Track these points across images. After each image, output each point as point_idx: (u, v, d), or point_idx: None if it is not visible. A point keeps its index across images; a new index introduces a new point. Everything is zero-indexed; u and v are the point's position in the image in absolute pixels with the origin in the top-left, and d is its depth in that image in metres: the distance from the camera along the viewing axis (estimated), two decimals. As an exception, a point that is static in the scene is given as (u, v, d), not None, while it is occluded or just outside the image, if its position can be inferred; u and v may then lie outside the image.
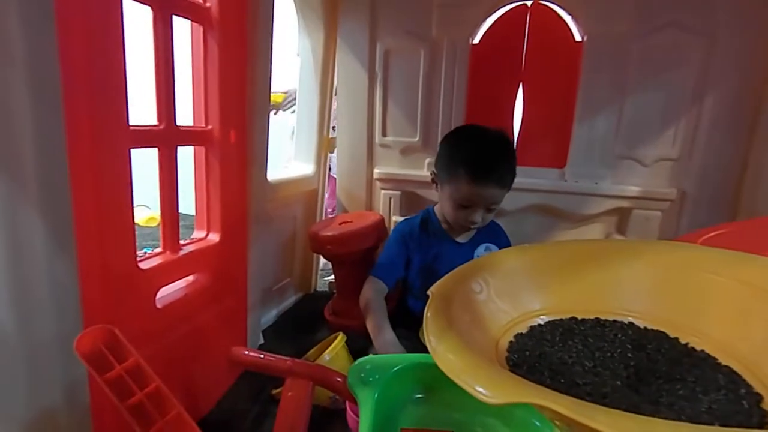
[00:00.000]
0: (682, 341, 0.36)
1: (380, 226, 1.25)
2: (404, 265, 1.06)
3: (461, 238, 1.05)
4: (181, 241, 0.80)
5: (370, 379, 0.62)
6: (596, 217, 1.25)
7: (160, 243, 0.75)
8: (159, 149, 0.70)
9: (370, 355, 0.68)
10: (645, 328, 0.38)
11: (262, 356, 0.80)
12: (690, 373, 0.31)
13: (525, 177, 1.25)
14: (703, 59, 1.08)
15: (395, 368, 0.64)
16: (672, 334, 0.37)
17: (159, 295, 0.72)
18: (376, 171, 1.40)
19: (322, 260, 1.59)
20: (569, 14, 1.16)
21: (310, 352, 1.00)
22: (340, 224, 1.25)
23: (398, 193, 1.39)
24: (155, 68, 0.69)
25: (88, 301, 0.56)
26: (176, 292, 0.76)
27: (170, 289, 0.76)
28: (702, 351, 0.34)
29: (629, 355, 0.35)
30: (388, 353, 0.87)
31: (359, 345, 1.01)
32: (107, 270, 0.59)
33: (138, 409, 0.38)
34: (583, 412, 0.20)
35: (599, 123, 1.18)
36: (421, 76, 1.29)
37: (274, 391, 0.91)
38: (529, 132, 1.28)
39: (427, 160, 1.33)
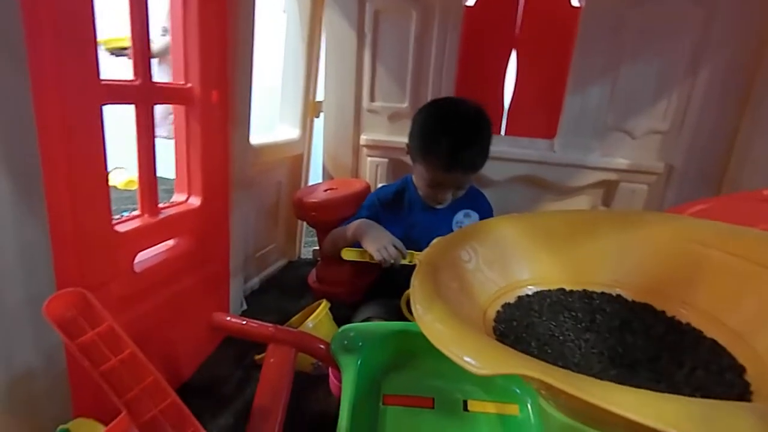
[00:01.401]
0: (669, 314, 0.36)
1: (366, 193, 1.23)
2: None
3: (439, 205, 1.04)
4: (161, 205, 0.77)
5: (354, 346, 0.63)
6: (583, 189, 1.25)
7: (138, 206, 0.72)
8: (136, 106, 0.66)
9: (354, 323, 0.68)
10: (632, 301, 0.38)
11: (244, 322, 0.79)
12: (674, 347, 0.31)
13: (514, 147, 1.24)
14: (700, 31, 1.06)
15: (378, 335, 0.64)
16: (659, 307, 0.37)
17: (137, 259, 0.69)
18: (363, 137, 1.36)
19: (307, 226, 1.57)
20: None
21: (294, 318, 1.00)
22: (325, 191, 1.23)
23: (385, 160, 1.36)
24: (130, 18, 0.64)
25: (61, 264, 0.53)
26: (155, 256, 0.74)
27: (149, 253, 0.74)
28: (687, 324, 0.34)
29: (615, 328, 0.34)
30: (382, 237, 0.88)
31: (343, 312, 1.01)
32: (81, 232, 0.56)
33: (112, 375, 0.37)
34: (574, 383, 0.20)
35: (592, 93, 1.16)
36: (412, 39, 1.24)
37: (257, 357, 0.91)
38: (520, 101, 1.26)
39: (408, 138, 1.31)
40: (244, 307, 1.15)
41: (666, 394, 0.19)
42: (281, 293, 1.28)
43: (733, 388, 0.27)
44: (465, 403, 0.59)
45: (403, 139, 1.32)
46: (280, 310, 1.13)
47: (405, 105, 1.30)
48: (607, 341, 0.33)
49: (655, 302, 0.37)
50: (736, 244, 0.35)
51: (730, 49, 1.05)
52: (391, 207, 1.06)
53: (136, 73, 0.65)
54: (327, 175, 1.44)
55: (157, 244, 0.75)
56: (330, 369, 0.76)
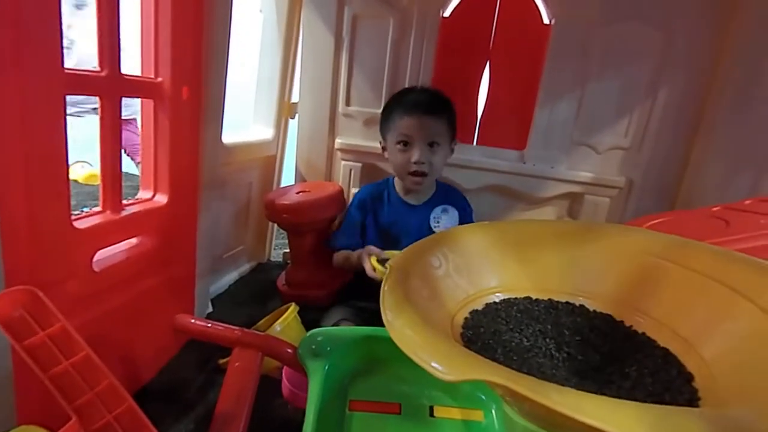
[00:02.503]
0: (627, 324, 0.37)
1: (339, 197, 1.23)
2: (361, 231, 1.09)
3: (416, 201, 1.08)
4: (125, 201, 0.74)
5: (321, 351, 0.62)
6: (550, 200, 1.29)
7: (100, 202, 0.69)
8: (100, 98, 0.64)
9: (323, 327, 0.68)
10: (594, 311, 0.40)
11: (209, 325, 0.78)
12: (630, 356, 0.33)
13: (485, 157, 1.27)
14: (659, 54, 1.12)
15: (346, 340, 0.63)
16: (618, 317, 0.38)
17: (97, 257, 0.66)
18: (338, 141, 1.36)
19: (277, 229, 1.55)
20: (540, -5, 1.16)
21: (261, 322, 0.98)
22: (297, 193, 1.22)
23: (359, 164, 1.36)
24: (97, 6, 0.61)
25: (11, 260, 0.51)
26: (117, 255, 0.71)
27: (110, 251, 0.71)
28: (643, 334, 0.36)
29: (577, 338, 0.36)
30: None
31: (312, 316, 1.00)
32: (35, 227, 0.53)
33: (62, 380, 0.35)
34: (538, 390, 0.20)
35: (560, 108, 1.21)
36: (389, 46, 1.25)
37: (221, 361, 0.89)
38: (492, 112, 1.29)
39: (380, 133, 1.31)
40: (210, 309, 1.12)
41: (622, 401, 0.20)
42: (249, 296, 1.25)
43: (682, 395, 0.28)
44: (431, 408, 0.59)
45: (378, 145, 1.33)
46: (247, 313, 1.11)
47: (380, 111, 1.31)
48: (570, 350, 0.34)
49: (615, 312, 0.39)
50: (687, 256, 0.37)
51: (685, 74, 1.11)
52: (372, 205, 1.10)
53: (101, 64, 0.63)
54: (300, 177, 1.42)
55: (120, 242, 0.72)
56: (283, 372, 0.75)
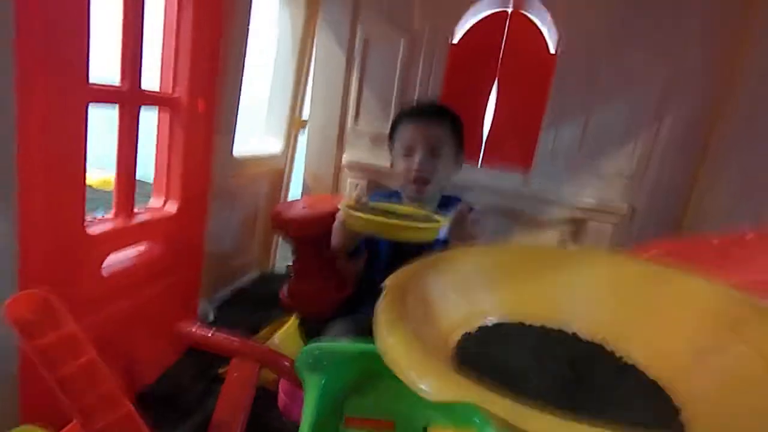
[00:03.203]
0: (617, 355, 0.38)
1: (346, 213, 1.25)
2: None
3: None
4: (136, 209, 0.77)
5: (319, 365, 0.62)
6: (553, 224, 1.30)
7: (113, 208, 0.71)
8: (120, 106, 0.67)
9: (322, 341, 0.68)
10: (585, 341, 0.40)
11: (209, 334, 0.79)
12: (619, 388, 0.33)
13: (490, 178, 1.28)
14: (664, 83, 1.13)
15: (344, 355, 0.64)
16: (609, 348, 0.39)
17: (106, 262, 0.68)
18: (345, 157, 1.38)
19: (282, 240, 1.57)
20: (545, 26, 1.19)
21: (261, 332, 0.99)
22: (304, 207, 1.23)
23: (364, 181, 1.38)
24: (123, 22, 0.64)
25: (27, 263, 0.53)
26: (125, 260, 0.73)
27: (119, 257, 0.73)
28: (633, 366, 0.36)
29: (566, 366, 0.36)
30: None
31: (312, 329, 1.01)
32: (51, 232, 0.56)
33: (69, 381, 0.37)
34: (518, 415, 0.21)
35: (565, 134, 1.22)
36: (399, 68, 1.29)
37: (221, 370, 0.89)
38: (498, 136, 1.31)
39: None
40: (212, 317, 1.14)
41: (600, 428, 0.21)
42: (252, 306, 1.27)
43: (669, 427, 0.29)
44: (425, 429, 0.60)
45: (385, 162, 1.35)
46: (248, 322, 1.12)
47: (388, 129, 1.33)
48: (561, 379, 0.35)
49: (607, 342, 0.39)
50: (679, 287, 0.38)
51: (690, 103, 1.12)
52: None
53: (123, 79, 0.66)
54: (307, 191, 1.45)
55: (129, 247, 0.74)
56: (279, 384, 0.75)
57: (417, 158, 1.00)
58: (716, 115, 1.10)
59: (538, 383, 0.34)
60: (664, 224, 1.19)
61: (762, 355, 0.28)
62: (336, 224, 1.02)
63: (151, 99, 0.75)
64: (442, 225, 0.83)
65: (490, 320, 0.43)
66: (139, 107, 0.70)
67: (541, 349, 0.39)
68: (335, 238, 1.03)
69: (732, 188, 1.04)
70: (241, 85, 0.99)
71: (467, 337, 0.40)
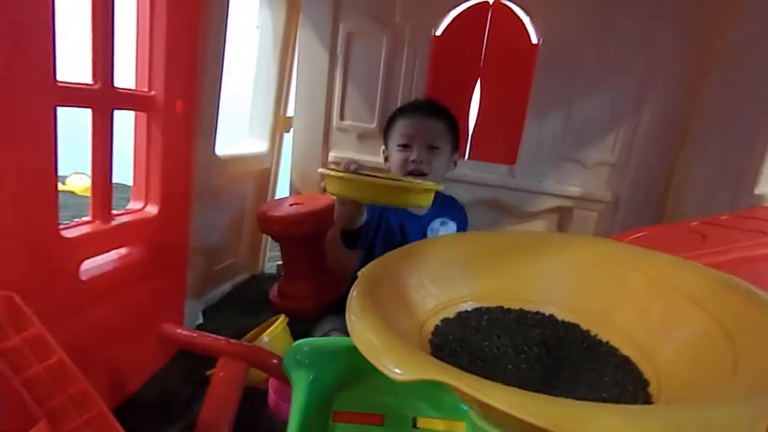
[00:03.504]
0: (592, 333, 0.38)
1: (332, 210, 1.24)
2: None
3: (417, 210, 1.07)
4: (115, 211, 0.76)
5: (307, 361, 0.62)
6: (539, 214, 1.31)
7: (89, 211, 0.70)
8: (92, 110, 0.66)
9: (311, 338, 0.68)
10: (563, 320, 0.41)
11: (195, 335, 0.78)
12: (593, 364, 0.34)
13: (476, 171, 1.29)
14: (642, 73, 1.15)
15: (332, 351, 0.63)
16: (585, 326, 0.39)
17: (85, 266, 0.67)
18: (332, 154, 1.38)
19: (272, 241, 1.56)
20: (528, 15, 1.19)
21: (250, 333, 0.98)
22: (291, 205, 1.23)
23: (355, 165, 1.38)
24: (92, 15, 0.63)
25: None
26: (105, 264, 0.72)
27: (99, 261, 0.72)
28: (607, 342, 0.37)
29: (544, 347, 0.37)
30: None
31: (302, 328, 1.00)
32: (22, 236, 0.55)
33: (34, 383, 0.36)
34: (481, 389, 0.21)
35: (548, 124, 1.23)
36: (383, 63, 1.29)
37: (208, 373, 0.89)
38: (483, 127, 1.31)
39: (382, 147, 1.34)
40: (201, 320, 1.13)
41: (566, 399, 0.21)
42: (241, 308, 1.26)
43: (637, 400, 0.29)
44: (414, 420, 0.59)
45: (372, 158, 1.35)
46: (238, 325, 1.11)
47: (374, 125, 1.33)
48: (536, 358, 0.35)
49: (583, 321, 0.40)
50: (649, 266, 0.38)
51: (667, 93, 1.14)
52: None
53: (94, 77, 0.65)
54: (294, 189, 1.44)
55: (108, 251, 0.73)
56: (269, 383, 0.75)
57: (414, 151, 1.01)
58: (693, 105, 1.12)
59: (515, 363, 0.34)
60: (647, 211, 1.20)
61: (720, 326, 0.29)
62: (336, 206, 1.02)
63: (125, 98, 0.74)
64: (436, 188, 0.76)
65: (470, 305, 0.43)
66: (112, 110, 0.69)
67: (519, 330, 0.39)
68: (337, 223, 1.04)
69: (709, 175, 1.06)
70: (221, 83, 0.99)
71: (446, 321, 0.40)
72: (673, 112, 1.14)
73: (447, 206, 1.12)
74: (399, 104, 1.30)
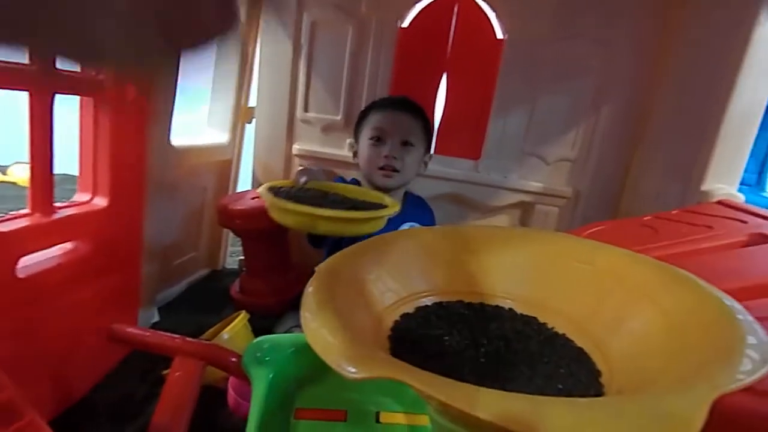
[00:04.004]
0: (549, 326, 0.39)
1: (295, 203, 1.22)
2: None
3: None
4: (59, 204, 0.71)
5: (268, 358, 0.60)
6: (503, 209, 1.33)
7: (28, 203, 0.65)
8: (30, 93, 0.61)
9: (272, 334, 0.66)
10: (521, 314, 0.41)
11: (148, 334, 0.75)
12: (550, 356, 0.34)
13: (441, 166, 1.29)
14: (602, 71, 1.18)
15: (294, 347, 0.62)
16: (542, 320, 0.40)
17: (23, 263, 0.63)
18: (296, 147, 1.35)
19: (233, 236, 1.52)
20: (493, 11, 1.20)
21: (210, 331, 0.95)
22: (252, 198, 1.19)
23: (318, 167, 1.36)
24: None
25: None
26: (46, 261, 0.68)
27: (40, 257, 0.67)
28: (563, 335, 0.37)
29: (503, 340, 0.37)
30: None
31: (264, 324, 0.98)
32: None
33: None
34: (433, 385, 0.21)
35: (512, 120, 1.25)
36: (348, 54, 1.27)
37: (164, 372, 0.85)
38: (448, 122, 1.31)
39: (349, 140, 1.32)
40: (156, 318, 1.08)
41: (517, 393, 0.21)
42: (201, 304, 1.22)
43: (589, 390, 0.30)
44: (377, 414, 0.59)
45: (337, 151, 1.33)
46: (196, 322, 1.07)
47: (338, 117, 1.31)
48: (496, 352, 0.35)
49: (540, 315, 0.40)
50: (604, 260, 0.39)
51: (625, 92, 1.18)
52: None
53: (32, 56, 0.60)
54: (256, 182, 1.40)
55: (50, 246, 0.69)
56: (229, 382, 0.73)
57: (387, 147, 0.99)
58: (647, 106, 1.16)
59: (474, 357, 0.34)
60: (604, 206, 1.25)
61: (668, 317, 0.30)
62: None
63: (68, 81, 0.68)
64: (389, 213, 0.76)
65: (430, 300, 0.42)
66: (54, 94, 0.64)
67: (479, 324, 0.39)
68: None
69: (661, 172, 1.11)
70: (177, 70, 0.94)
71: (405, 317, 0.39)
72: (630, 112, 1.18)
73: (416, 207, 1.11)
74: (365, 96, 1.28)
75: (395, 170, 1.00)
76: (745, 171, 0.95)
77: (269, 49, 1.30)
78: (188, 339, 0.71)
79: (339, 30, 1.26)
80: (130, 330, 0.71)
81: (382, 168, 1.00)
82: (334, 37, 1.26)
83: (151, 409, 0.80)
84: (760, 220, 0.67)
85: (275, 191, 0.80)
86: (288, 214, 0.72)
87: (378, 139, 1.01)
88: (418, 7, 1.24)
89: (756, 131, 0.90)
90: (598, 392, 0.29)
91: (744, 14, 0.85)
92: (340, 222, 0.70)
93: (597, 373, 0.31)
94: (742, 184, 0.95)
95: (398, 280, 0.41)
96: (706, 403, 0.18)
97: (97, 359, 0.84)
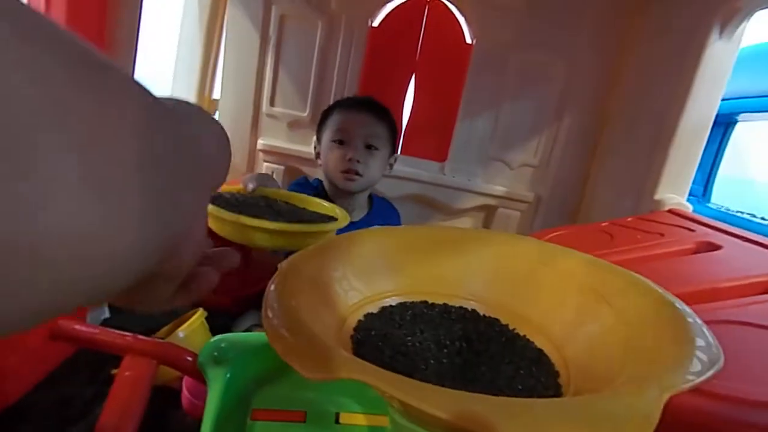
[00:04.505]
0: (511, 327, 0.39)
1: (258, 199, 1.19)
2: None
3: (354, 216, 1.03)
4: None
5: (224, 358, 0.58)
6: (467, 211, 1.35)
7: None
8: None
9: (230, 333, 0.64)
10: (484, 315, 0.41)
11: (97, 331, 0.70)
12: (511, 357, 0.35)
13: (407, 166, 1.30)
14: (564, 81, 1.22)
15: (252, 347, 0.61)
16: (504, 321, 0.40)
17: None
18: (261, 142, 1.32)
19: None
20: (462, 15, 1.22)
21: (164, 329, 0.91)
22: (212, 193, 1.15)
23: (281, 167, 1.33)
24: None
25: None
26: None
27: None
28: (524, 336, 0.38)
29: (466, 341, 0.37)
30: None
31: (222, 323, 0.95)
32: None
33: None
34: (395, 385, 0.21)
35: (478, 124, 1.27)
36: (317, 50, 1.25)
37: (114, 371, 0.81)
38: (416, 123, 1.32)
39: (315, 143, 1.31)
40: (107, 315, 1.03)
41: (474, 394, 0.21)
42: (154, 301, 1.16)
43: (548, 390, 0.30)
44: (337, 415, 0.58)
45: (303, 148, 1.31)
46: (150, 320, 1.02)
47: (305, 114, 1.29)
48: (458, 353, 0.36)
49: (503, 316, 0.41)
50: (565, 263, 0.40)
51: (585, 102, 1.22)
52: None
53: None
54: (218, 177, 1.36)
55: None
56: (183, 382, 0.70)
57: (352, 149, 0.95)
58: (606, 116, 1.21)
59: (437, 358, 0.34)
60: (564, 212, 1.29)
61: (623, 320, 0.31)
62: None
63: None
64: (334, 228, 0.70)
65: (394, 300, 0.42)
66: None
67: (443, 325, 0.39)
68: None
69: (617, 180, 1.16)
70: (135, 56, 0.89)
71: (369, 316, 0.39)
72: (590, 122, 1.23)
73: (382, 210, 1.10)
74: (333, 93, 1.27)
75: (358, 174, 0.97)
76: (693, 183, 1.00)
77: (235, 39, 1.26)
78: (140, 337, 0.68)
79: (308, 25, 1.24)
80: (77, 327, 0.67)
81: (345, 171, 0.97)
82: (303, 31, 1.24)
83: (99, 410, 0.76)
84: (706, 229, 0.71)
85: (215, 197, 0.71)
86: (224, 224, 0.64)
87: (341, 142, 0.98)
88: (389, 6, 1.24)
89: (704, 144, 0.95)
90: (557, 393, 0.30)
91: (697, 33, 0.90)
92: (279, 235, 0.65)
93: (556, 374, 0.32)
94: (689, 195, 1.01)
95: (363, 279, 0.41)
96: (660, 402, 0.19)
97: (38, 357, 0.78)
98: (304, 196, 0.91)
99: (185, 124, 0.22)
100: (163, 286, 0.24)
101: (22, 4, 0.12)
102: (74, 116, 0.13)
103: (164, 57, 1.29)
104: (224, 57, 1.28)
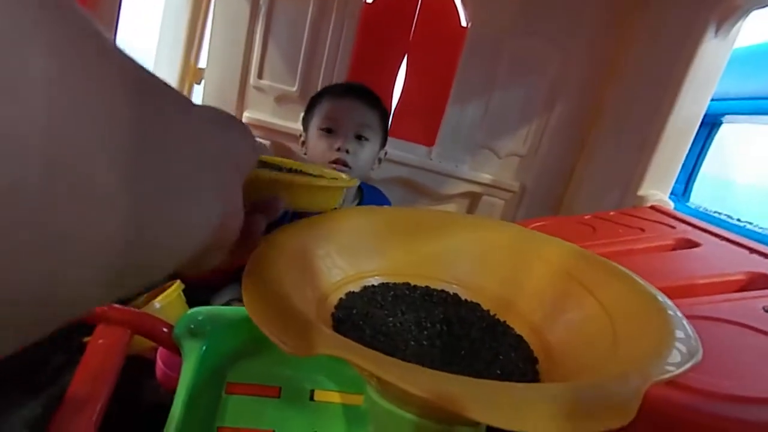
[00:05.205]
0: (492, 313, 0.39)
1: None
2: None
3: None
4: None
5: (200, 330, 0.58)
6: (452, 197, 1.35)
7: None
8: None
9: (207, 306, 0.63)
10: (465, 299, 0.41)
11: (68, 299, 0.69)
12: (491, 342, 0.35)
13: (395, 149, 1.29)
14: (556, 71, 1.22)
15: (229, 320, 0.60)
16: (486, 306, 0.40)
17: None
18: (247, 115, 1.29)
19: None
20: (458, -3, 1.20)
21: (140, 299, 0.89)
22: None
23: (267, 142, 1.30)
24: None
25: None
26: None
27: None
28: (504, 322, 0.38)
29: (446, 324, 0.37)
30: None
31: (200, 296, 0.93)
32: None
33: None
34: (375, 363, 0.21)
35: (468, 110, 1.26)
36: (308, 23, 1.21)
37: (86, 339, 0.79)
38: (406, 105, 1.31)
39: (303, 114, 1.28)
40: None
41: (452, 375, 0.21)
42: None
43: (526, 376, 0.30)
44: (312, 392, 0.58)
45: (290, 124, 1.28)
46: (125, 289, 1.00)
47: (294, 89, 1.26)
48: (438, 336, 0.36)
49: (484, 301, 0.41)
50: (549, 252, 0.40)
51: (576, 94, 1.22)
52: None
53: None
54: (201, 148, 1.32)
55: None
56: (158, 353, 0.69)
57: (339, 139, 0.90)
58: (596, 111, 1.22)
59: (417, 339, 0.34)
60: (548, 203, 1.30)
61: (605, 310, 0.31)
62: None
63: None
64: (348, 185, 0.71)
65: (377, 280, 0.42)
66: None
67: (424, 307, 0.39)
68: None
69: (602, 175, 1.17)
70: (116, 27, 0.85)
71: (351, 295, 0.39)
72: (579, 114, 1.23)
73: (374, 200, 1.08)
74: (323, 69, 1.24)
75: (347, 164, 0.93)
76: (675, 182, 1.02)
77: (223, 7, 1.21)
78: (115, 306, 0.67)
79: (300, -3, 1.20)
80: (47, 294, 0.65)
81: (332, 162, 0.93)
82: (295, 3, 1.20)
83: (69, 377, 0.75)
84: (686, 227, 0.73)
85: None
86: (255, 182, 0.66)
87: (329, 130, 0.93)
88: (386, -18, 1.21)
89: (690, 143, 0.96)
90: (535, 379, 0.30)
91: (692, 30, 0.90)
92: (318, 191, 0.66)
93: (534, 361, 0.32)
94: (671, 193, 1.02)
95: (346, 257, 0.40)
96: (640, 392, 0.19)
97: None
98: (302, 163, 0.90)
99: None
100: (216, 254, 0.28)
101: None
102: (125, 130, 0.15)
103: (149, 21, 1.24)
104: (212, 24, 1.24)
